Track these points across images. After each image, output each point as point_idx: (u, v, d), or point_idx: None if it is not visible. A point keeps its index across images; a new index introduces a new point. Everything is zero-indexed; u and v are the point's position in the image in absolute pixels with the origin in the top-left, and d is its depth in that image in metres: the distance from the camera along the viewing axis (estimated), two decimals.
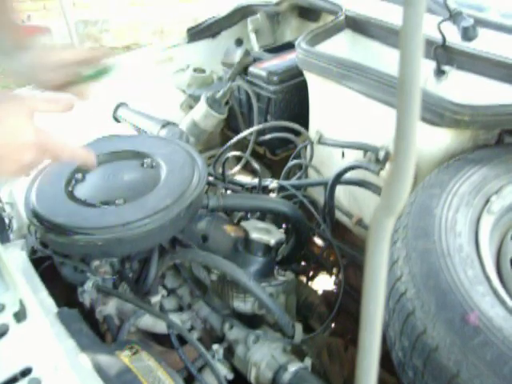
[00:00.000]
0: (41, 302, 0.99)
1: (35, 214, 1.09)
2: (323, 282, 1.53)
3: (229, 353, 1.12)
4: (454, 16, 1.44)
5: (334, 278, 1.49)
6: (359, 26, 1.63)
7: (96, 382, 0.83)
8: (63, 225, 1.04)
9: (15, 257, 1.10)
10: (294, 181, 1.45)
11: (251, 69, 1.66)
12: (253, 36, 2.00)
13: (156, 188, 1.13)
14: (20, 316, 0.92)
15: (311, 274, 1.52)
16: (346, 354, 1.27)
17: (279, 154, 1.71)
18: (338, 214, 1.45)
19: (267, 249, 1.15)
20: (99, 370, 0.86)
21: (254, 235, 1.13)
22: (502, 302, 0.85)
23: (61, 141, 0.84)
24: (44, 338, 0.89)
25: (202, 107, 1.65)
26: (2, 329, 0.90)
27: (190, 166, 1.19)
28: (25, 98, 0.81)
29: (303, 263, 1.49)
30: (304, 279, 1.51)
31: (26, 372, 0.83)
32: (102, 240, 1.02)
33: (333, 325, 1.38)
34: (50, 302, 1.00)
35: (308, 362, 1.05)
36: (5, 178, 0.81)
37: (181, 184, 1.14)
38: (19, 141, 0.78)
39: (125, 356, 0.92)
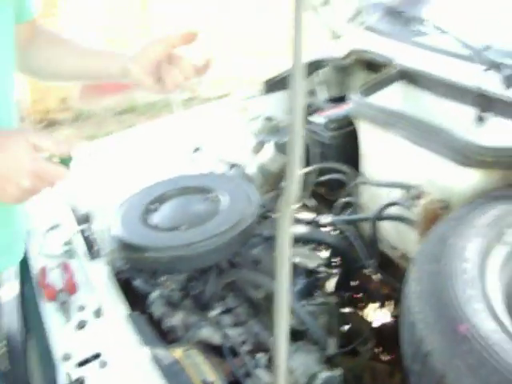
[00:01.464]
0: (116, 305, 1.22)
1: (117, 236, 1.33)
2: (376, 314, 1.66)
3: (271, 362, 1.29)
4: (495, 66, 1.58)
5: (386, 310, 1.62)
6: (411, 77, 1.79)
7: (149, 370, 1.04)
8: (137, 244, 1.29)
9: (99, 270, 1.34)
10: (343, 216, 1.62)
11: (311, 118, 1.86)
12: (322, 87, 2.20)
13: (215, 217, 1.35)
14: (98, 313, 1.16)
15: (362, 304, 1.65)
16: (391, 381, 1.40)
17: (335, 194, 1.87)
18: (385, 248, 1.59)
19: (308, 272, 1.33)
20: (154, 360, 1.06)
21: (297, 260, 1.32)
22: (496, 318, 0.97)
23: (53, 168, 0.98)
24: (114, 332, 1.12)
25: (270, 151, 1.86)
26: (82, 323, 1.14)
27: (246, 200, 1.41)
28: (26, 133, 0.97)
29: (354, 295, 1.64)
30: (357, 311, 1.65)
31: (96, 356, 1.06)
32: (167, 258, 1.26)
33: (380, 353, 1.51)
34: (123, 307, 1.23)
35: (338, 371, 1.20)
36: (10, 203, 0.98)
37: (236, 214, 1.36)
38: (18, 166, 0.93)
39: (177, 352, 1.12)
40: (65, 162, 1.01)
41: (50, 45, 1.32)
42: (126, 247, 1.31)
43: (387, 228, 1.58)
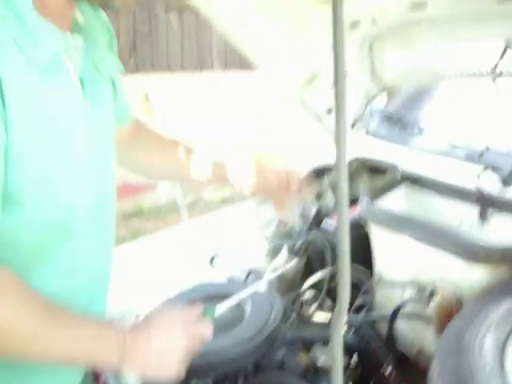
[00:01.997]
0: None
1: None
2: None
3: None
4: (492, 167, 1.70)
5: None
6: (414, 180, 1.91)
7: None
8: None
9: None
10: (359, 316, 1.68)
11: (323, 223, 1.96)
12: (329, 192, 2.31)
13: (241, 323, 1.42)
14: None
15: None
16: None
17: (351, 294, 1.93)
18: (401, 345, 1.64)
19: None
20: None
21: (320, 362, 1.38)
22: None
23: (203, 329, 1.12)
24: None
25: (284, 255, 1.95)
26: None
27: (269, 306, 1.49)
28: (186, 324, 1.10)
29: None
30: None
31: None
32: (196, 364, 1.31)
33: None
34: None
35: None
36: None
37: (260, 320, 1.43)
38: (179, 348, 1.06)
39: None
40: (208, 312, 1.14)
41: (147, 147, 1.49)
42: None
43: (403, 325, 1.64)
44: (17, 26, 0.92)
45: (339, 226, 0.56)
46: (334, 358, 0.61)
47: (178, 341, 1.06)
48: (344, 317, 0.61)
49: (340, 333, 0.61)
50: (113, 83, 1.22)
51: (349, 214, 1.93)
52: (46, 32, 0.96)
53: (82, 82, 1.08)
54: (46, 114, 0.96)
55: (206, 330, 1.11)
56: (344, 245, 0.56)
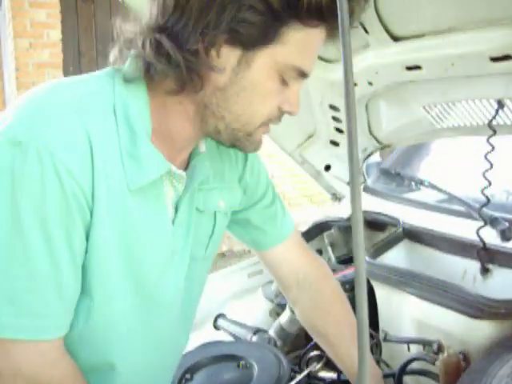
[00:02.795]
0: None
1: None
2: None
3: None
4: (490, 222, 1.73)
5: None
6: (415, 236, 1.94)
7: None
8: None
9: None
10: None
11: None
12: (329, 248, 2.33)
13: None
14: None
15: None
16: None
17: None
18: None
19: None
20: None
21: None
22: None
23: None
24: None
25: (287, 314, 1.94)
26: None
27: (276, 366, 1.49)
28: None
29: None
30: None
31: None
32: None
33: None
34: None
35: None
36: None
37: (269, 381, 1.42)
38: None
39: None
40: None
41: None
42: None
43: (410, 382, 1.63)
44: (130, 143, 0.98)
45: (357, 279, 0.57)
46: None
47: None
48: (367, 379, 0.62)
49: None
50: (214, 216, 1.26)
51: (350, 271, 1.94)
52: (152, 160, 1.01)
53: (176, 207, 1.12)
54: (126, 231, 1.01)
55: None
56: (363, 308, 0.57)
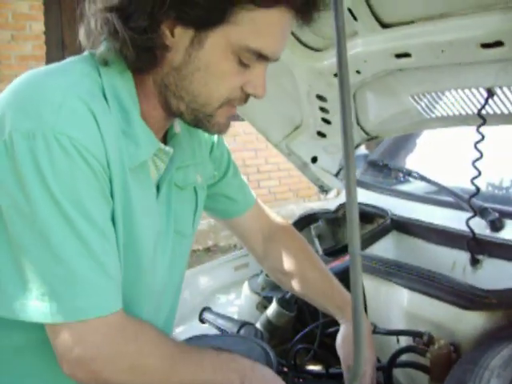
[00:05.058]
0: None
1: None
2: None
3: None
4: (480, 212, 1.71)
5: None
6: (404, 227, 1.92)
7: None
8: None
9: None
10: None
11: None
12: (316, 241, 2.30)
13: None
14: None
15: None
16: None
17: None
18: None
19: None
20: None
21: None
22: None
23: None
24: None
25: (274, 307, 1.91)
26: None
27: (263, 359, 1.44)
28: None
29: None
30: None
31: None
32: None
33: None
34: None
35: None
36: None
37: None
38: None
39: None
40: None
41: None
42: None
43: (400, 375, 1.61)
44: (123, 122, 1.01)
45: (352, 269, 0.55)
46: None
47: None
48: (361, 371, 0.59)
49: None
50: (195, 191, 1.31)
51: (338, 263, 1.91)
52: (146, 137, 1.05)
53: (158, 187, 1.16)
54: (127, 209, 1.03)
55: None
56: (358, 298, 0.55)
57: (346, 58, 0.54)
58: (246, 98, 1.09)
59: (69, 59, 1.05)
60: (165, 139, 1.21)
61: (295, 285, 1.57)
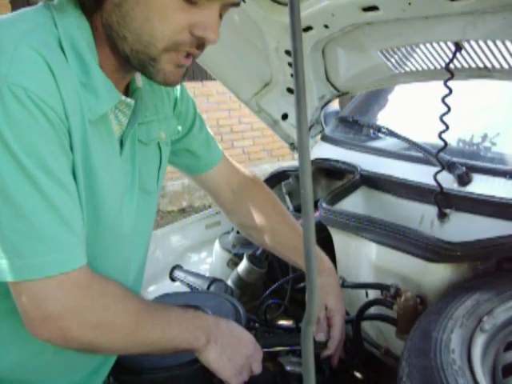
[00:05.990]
0: None
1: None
2: None
3: None
4: (448, 167, 1.71)
5: None
6: (373, 182, 1.92)
7: None
8: (132, 367, 1.31)
9: None
10: None
11: None
12: (287, 197, 2.31)
13: None
14: None
15: None
16: None
17: None
18: (369, 346, 1.64)
19: (301, 378, 1.35)
20: None
21: (288, 368, 1.36)
22: None
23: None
24: None
25: (244, 264, 1.92)
26: None
27: (233, 314, 1.46)
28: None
29: None
30: None
31: None
32: (163, 378, 1.28)
33: None
34: None
35: None
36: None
37: None
38: (247, 352, 1.24)
39: None
40: None
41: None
42: (122, 370, 1.33)
43: (369, 327, 1.64)
44: (82, 74, 0.97)
45: (305, 229, 0.54)
46: (305, 362, 0.59)
47: (246, 350, 1.24)
48: (314, 322, 0.59)
49: (310, 338, 0.59)
50: (159, 147, 1.29)
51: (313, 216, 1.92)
52: (106, 89, 1.02)
53: (121, 142, 1.13)
54: (87, 163, 1.01)
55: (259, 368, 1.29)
56: (310, 252, 0.54)
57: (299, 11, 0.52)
58: (198, 44, 1.02)
59: (22, 10, 1.01)
60: (126, 94, 1.17)
61: (266, 239, 1.58)
